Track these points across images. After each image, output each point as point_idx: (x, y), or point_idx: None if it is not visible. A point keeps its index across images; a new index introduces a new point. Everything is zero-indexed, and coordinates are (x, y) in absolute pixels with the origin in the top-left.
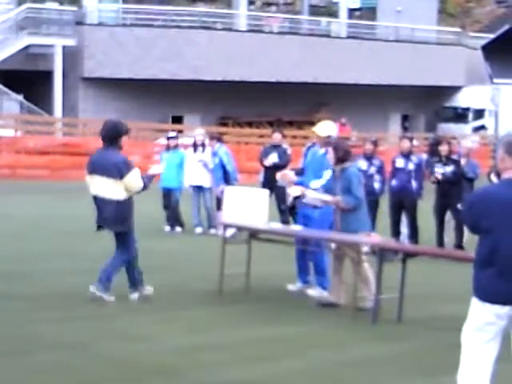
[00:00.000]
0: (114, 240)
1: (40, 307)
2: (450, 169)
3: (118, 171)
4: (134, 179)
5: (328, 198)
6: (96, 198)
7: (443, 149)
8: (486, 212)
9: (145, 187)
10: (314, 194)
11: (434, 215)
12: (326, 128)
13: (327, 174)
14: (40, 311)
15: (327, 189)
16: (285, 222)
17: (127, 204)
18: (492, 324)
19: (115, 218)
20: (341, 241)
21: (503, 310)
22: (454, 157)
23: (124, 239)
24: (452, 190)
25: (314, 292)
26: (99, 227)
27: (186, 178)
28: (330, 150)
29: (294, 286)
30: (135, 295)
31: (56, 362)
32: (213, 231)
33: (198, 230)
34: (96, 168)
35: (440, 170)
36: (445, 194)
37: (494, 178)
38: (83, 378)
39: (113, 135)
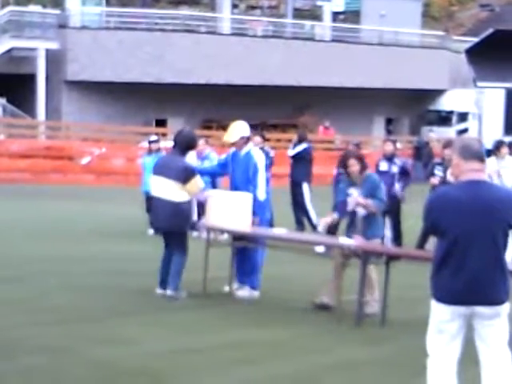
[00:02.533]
0: (170, 242)
1: (24, 310)
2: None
3: (183, 176)
4: (196, 184)
5: (363, 200)
6: (154, 199)
7: (448, 153)
8: (443, 214)
9: None
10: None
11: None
12: (235, 132)
13: (262, 179)
14: (24, 315)
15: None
16: (301, 228)
17: (187, 206)
18: (449, 325)
19: (174, 218)
20: (326, 244)
21: (458, 310)
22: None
23: (181, 240)
24: None
25: (243, 293)
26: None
27: None
28: (355, 162)
29: (229, 287)
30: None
31: (38, 365)
32: (195, 234)
33: None
34: (162, 170)
35: (440, 174)
36: None
37: (451, 178)
38: (64, 382)
39: (186, 145)
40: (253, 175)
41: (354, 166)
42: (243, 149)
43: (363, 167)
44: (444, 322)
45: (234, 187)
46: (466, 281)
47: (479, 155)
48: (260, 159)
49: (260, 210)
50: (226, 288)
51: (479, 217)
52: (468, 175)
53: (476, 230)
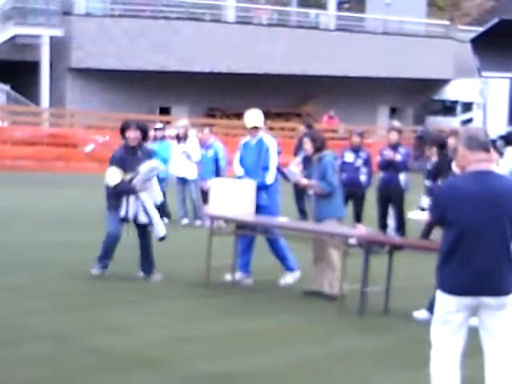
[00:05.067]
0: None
1: (26, 298)
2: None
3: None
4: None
5: (305, 181)
6: None
7: (451, 142)
8: (451, 205)
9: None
10: (295, 169)
11: None
12: (258, 118)
13: (273, 164)
14: (26, 302)
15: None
16: (303, 217)
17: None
18: (455, 315)
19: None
20: (327, 233)
21: (465, 300)
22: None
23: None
24: None
25: (286, 280)
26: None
27: (171, 168)
28: (307, 140)
29: (230, 276)
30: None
31: (39, 353)
32: (198, 223)
33: (184, 221)
34: None
35: None
36: None
37: (456, 169)
38: (65, 370)
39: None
40: (264, 159)
41: (306, 144)
42: (256, 136)
43: (317, 148)
44: (450, 312)
45: (246, 173)
46: (474, 271)
47: (485, 145)
48: (272, 145)
49: (270, 196)
50: (228, 277)
51: (487, 207)
52: (475, 166)
53: (484, 220)
